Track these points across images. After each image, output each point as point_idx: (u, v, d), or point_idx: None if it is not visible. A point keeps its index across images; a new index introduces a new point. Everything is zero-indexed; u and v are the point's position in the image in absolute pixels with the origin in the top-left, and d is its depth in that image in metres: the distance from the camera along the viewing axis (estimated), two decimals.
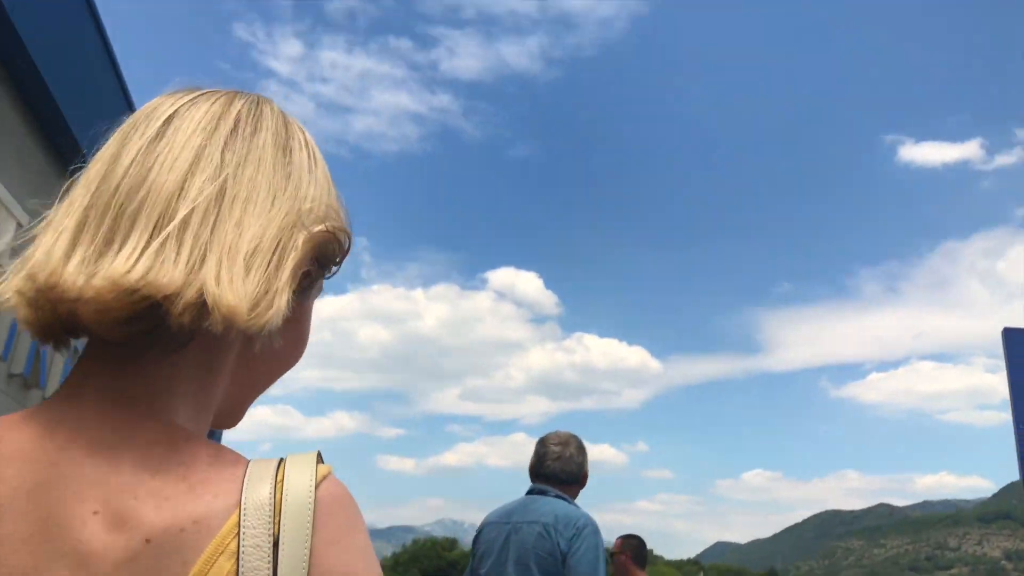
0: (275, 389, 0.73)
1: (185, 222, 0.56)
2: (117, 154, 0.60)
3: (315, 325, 0.72)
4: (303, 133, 0.68)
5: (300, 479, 0.54)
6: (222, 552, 0.50)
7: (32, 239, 0.59)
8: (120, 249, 0.55)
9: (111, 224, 0.56)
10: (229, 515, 0.52)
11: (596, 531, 2.87)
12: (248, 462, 0.56)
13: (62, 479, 0.52)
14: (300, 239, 0.61)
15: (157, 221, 0.56)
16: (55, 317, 0.56)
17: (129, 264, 0.53)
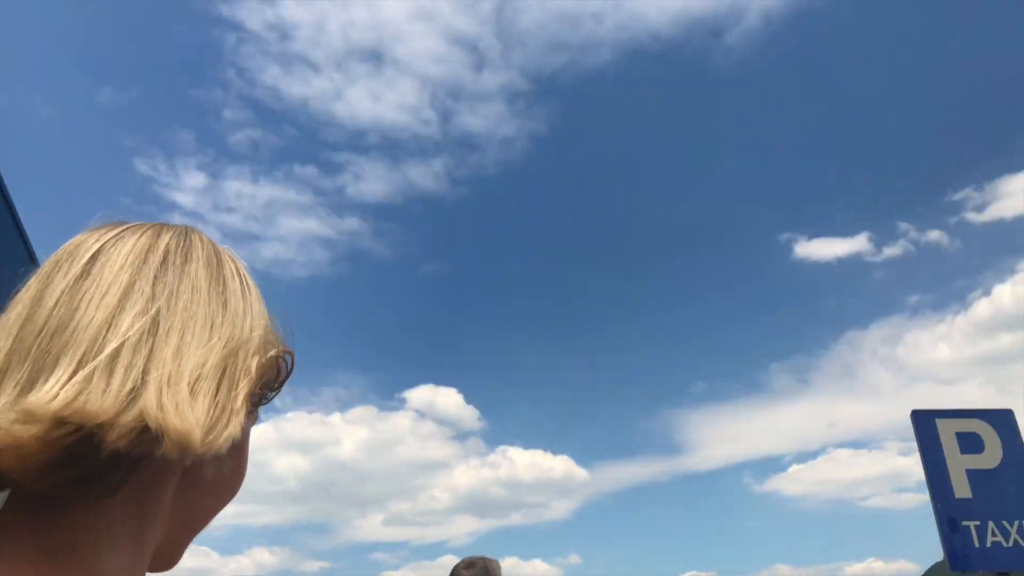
0: None
1: (115, 354, 0.52)
2: (39, 296, 0.56)
3: None
4: (234, 261, 0.67)
5: None
6: None
7: None
8: (44, 384, 0.50)
9: (33, 365, 0.52)
10: None
11: None
12: None
13: None
14: (253, 364, 0.59)
15: (83, 355, 0.52)
16: None
17: (52, 394, 0.49)
